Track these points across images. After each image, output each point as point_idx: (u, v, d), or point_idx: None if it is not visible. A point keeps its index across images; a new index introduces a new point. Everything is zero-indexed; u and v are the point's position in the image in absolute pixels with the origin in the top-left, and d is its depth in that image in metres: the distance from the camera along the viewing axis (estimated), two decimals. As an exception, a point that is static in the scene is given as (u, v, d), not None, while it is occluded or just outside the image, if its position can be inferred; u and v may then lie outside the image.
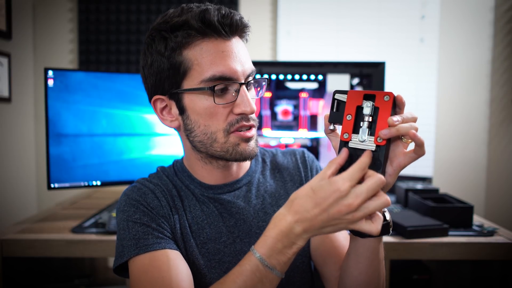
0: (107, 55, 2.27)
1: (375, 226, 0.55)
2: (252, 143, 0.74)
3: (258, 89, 0.79)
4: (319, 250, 0.80)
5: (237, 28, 0.72)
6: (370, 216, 0.55)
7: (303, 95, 1.55)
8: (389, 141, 0.59)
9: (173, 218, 0.76)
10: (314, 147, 1.58)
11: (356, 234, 0.65)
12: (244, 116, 0.72)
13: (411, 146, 0.59)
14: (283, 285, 0.74)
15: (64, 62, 2.30)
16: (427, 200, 1.35)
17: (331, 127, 0.64)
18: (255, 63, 0.77)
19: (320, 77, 1.50)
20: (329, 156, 1.56)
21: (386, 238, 1.13)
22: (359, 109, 0.60)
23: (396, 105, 0.59)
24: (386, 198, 0.54)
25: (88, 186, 1.33)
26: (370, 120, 0.59)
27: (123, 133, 1.37)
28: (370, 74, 1.46)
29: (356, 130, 0.60)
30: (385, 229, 0.64)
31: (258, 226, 0.79)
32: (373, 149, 0.58)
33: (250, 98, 0.72)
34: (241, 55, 0.72)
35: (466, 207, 1.27)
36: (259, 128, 1.56)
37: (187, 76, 0.71)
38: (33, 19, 2.27)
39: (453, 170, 2.27)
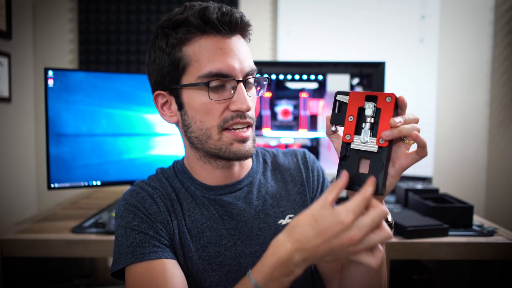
0: (107, 55, 2.27)
1: (374, 260, 0.54)
2: (248, 144, 0.74)
3: (259, 88, 0.78)
4: None
5: (237, 26, 0.72)
6: (370, 248, 0.54)
7: (303, 95, 1.55)
8: (391, 142, 0.59)
9: (171, 223, 0.75)
10: (314, 147, 1.58)
11: None
12: (240, 113, 0.71)
13: (413, 147, 0.58)
14: None
15: (64, 62, 2.30)
16: (427, 200, 1.35)
17: (333, 128, 0.64)
18: (255, 63, 0.77)
19: (320, 77, 1.50)
20: (329, 156, 1.56)
21: (386, 238, 1.13)
22: (361, 110, 0.60)
23: (398, 106, 0.59)
24: (388, 232, 0.53)
25: (88, 186, 1.33)
26: (372, 121, 0.59)
27: (123, 133, 1.37)
28: (370, 74, 1.46)
29: (358, 131, 0.60)
30: None
31: (259, 227, 0.78)
32: (375, 151, 0.58)
33: (247, 96, 0.72)
34: (241, 53, 0.72)
35: (466, 207, 1.27)
36: (259, 128, 1.56)
37: (186, 72, 0.72)
38: (33, 19, 2.27)
39: (453, 170, 2.27)
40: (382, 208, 0.53)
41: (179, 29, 0.71)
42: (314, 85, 1.56)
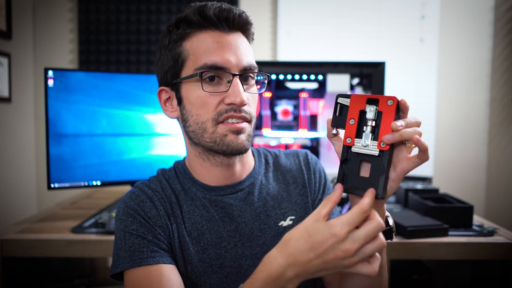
0: (107, 55, 2.27)
1: (372, 268, 0.53)
2: (242, 136, 0.73)
3: (259, 87, 0.79)
4: None
5: (236, 23, 0.73)
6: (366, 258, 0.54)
7: (303, 95, 1.55)
8: (393, 146, 0.58)
9: (171, 227, 0.75)
10: (314, 147, 1.58)
11: None
12: (234, 106, 0.71)
13: (415, 151, 0.58)
14: None
15: (64, 62, 2.30)
16: (427, 200, 1.35)
17: (334, 131, 0.64)
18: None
19: (320, 77, 1.50)
20: (329, 156, 1.56)
21: (386, 238, 1.13)
22: (362, 113, 0.60)
23: (400, 109, 0.59)
24: (383, 241, 0.53)
25: (88, 186, 1.33)
26: (373, 124, 0.59)
27: (123, 133, 1.37)
28: (370, 74, 1.46)
29: (359, 134, 0.60)
30: (388, 235, 0.64)
31: (260, 229, 0.78)
32: (376, 154, 0.58)
33: (243, 90, 0.71)
34: (239, 49, 0.72)
35: (466, 207, 1.27)
36: (259, 128, 1.56)
37: (184, 66, 0.73)
38: (33, 19, 2.27)
39: (453, 170, 2.27)
40: (378, 221, 0.52)
41: (180, 26, 0.73)
42: (314, 85, 1.56)
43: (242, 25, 0.74)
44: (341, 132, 0.63)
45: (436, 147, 2.26)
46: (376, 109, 0.59)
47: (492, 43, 2.21)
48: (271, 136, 1.56)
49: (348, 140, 0.60)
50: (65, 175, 1.29)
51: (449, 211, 1.25)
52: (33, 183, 2.27)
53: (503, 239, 1.16)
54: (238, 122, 0.72)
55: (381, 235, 0.53)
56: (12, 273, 1.19)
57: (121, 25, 2.26)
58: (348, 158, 0.61)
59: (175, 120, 0.81)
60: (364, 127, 0.59)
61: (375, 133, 0.59)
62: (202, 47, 0.71)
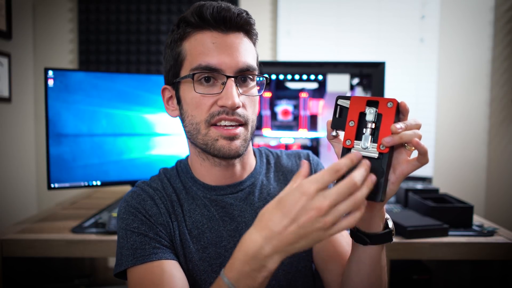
0: (107, 55, 2.27)
1: (352, 218, 0.51)
2: (236, 142, 0.71)
3: (259, 88, 0.78)
4: (321, 255, 0.79)
5: (233, 23, 0.71)
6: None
7: (303, 95, 1.55)
8: (392, 148, 0.58)
9: (172, 225, 0.75)
10: (314, 147, 1.58)
11: (357, 241, 0.64)
12: (226, 109, 0.70)
13: (415, 153, 0.58)
14: None
15: (64, 62, 2.30)
16: (427, 200, 1.35)
17: (334, 133, 0.63)
18: (255, 63, 0.77)
19: (320, 77, 1.50)
20: (329, 156, 1.56)
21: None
22: (362, 115, 0.60)
23: (400, 111, 0.58)
24: (358, 196, 0.51)
25: (88, 186, 1.33)
26: (373, 126, 0.58)
27: (123, 133, 1.37)
28: (370, 74, 1.46)
29: (359, 136, 0.60)
30: (387, 237, 0.64)
31: None
32: (376, 157, 0.58)
33: (236, 92, 0.70)
34: (236, 49, 0.71)
35: (466, 207, 1.27)
36: (259, 128, 1.56)
37: (182, 66, 0.74)
38: (33, 19, 2.27)
39: (453, 170, 2.27)
40: (351, 177, 0.51)
41: (180, 26, 0.74)
42: (314, 85, 1.56)
43: (242, 25, 0.72)
44: (341, 134, 0.63)
45: (436, 147, 2.26)
46: (376, 111, 0.58)
47: (492, 43, 2.21)
48: (271, 136, 1.56)
49: (348, 142, 0.60)
50: (65, 175, 1.29)
51: (449, 211, 1.25)
52: (33, 183, 2.27)
53: (503, 239, 1.16)
54: (232, 127, 0.71)
55: (358, 193, 0.51)
56: (12, 273, 1.19)
57: (121, 25, 2.26)
58: None
59: (175, 120, 0.81)
60: (364, 129, 0.59)
61: (375, 135, 0.58)
62: (198, 48, 0.71)
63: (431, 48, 2.22)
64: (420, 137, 0.56)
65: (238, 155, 0.72)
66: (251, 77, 0.74)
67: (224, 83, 0.70)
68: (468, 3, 2.21)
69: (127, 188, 1.71)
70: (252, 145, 0.87)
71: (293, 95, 1.57)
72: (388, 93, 1.63)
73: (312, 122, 1.58)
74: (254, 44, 0.77)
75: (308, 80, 1.51)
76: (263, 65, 1.49)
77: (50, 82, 1.27)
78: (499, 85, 2.22)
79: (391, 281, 1.28)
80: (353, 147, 0.60)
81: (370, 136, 0.59)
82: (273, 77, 1.51)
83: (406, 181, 1.65)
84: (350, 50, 2.25)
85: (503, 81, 2.21)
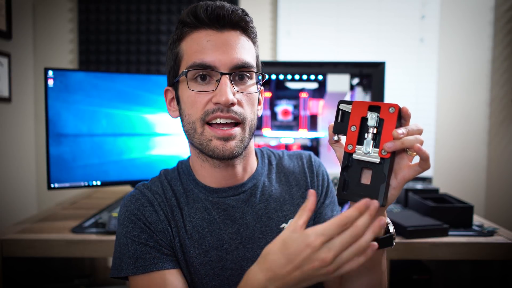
0: (107, 55, 2.27)
1: (355, 262, 0.52)
2: (232, 143, 0.71)
3: (258, 86, 0.77)
4: None
5: (227, 20, 0.71)
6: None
7: (303, 95, 1.55)
8: (394, 153, 0.58)
9: (171, 231, 0.75)
10: (314, 147, 1.58)
11: None
12: (221, 106, 0.69)
13: (416, 158, 0.58)
14: None
15: (64, 62, 2.30)
16: (427, 200, 1.35)
17: (335, 137, 0.63)
18: (255, 63, 0.76)
19: (320, 77, 1.50)
20: (329, 156, 1.56)
21: (386, 238, 1.13)
22: (364, 120, 0.60)
23: (402, 116, 0.58)
24: (362, 242, 0.51)
25: (88, 186, 1.33)
26: (375, 131, 0.58)
27: (123, 133, 1.37)
28: (370, 74, 1.46)
29: (360, 141, 0.60)
30: (388, 242, 0.64)
31: (261, 231, 0.77)
32: (377, 162, 0.58)
33: (230, 89, 0.69)
34: (232, 47, 0.70)
35: (466, 207, 1.27)
36: (259, 128, 1.56)
37: (180, 66, 0.74)
38: (33, 19, 2.27)
39: (453, 170, 2.27)
40: (354, 227, 0.51)
41: (178, 27, 0.75)
42: (314, 85, 1.56)
43: (237, 22, 0.72)
44: (343, 139, 0.63)
45: (436, 147, 2.26)
46: (377, 116, 0.58)
47: (492, 43, 2.21)
48: (271, 136, 1.56)
49: (350, 147, 0.60)
50: (65, 175, 1.29)
51: (449, 211, 1.25)
52: (33, 183, 2.27)
53: (503, 239, 1.16)
54: (227, 127, 0.71)
55: (362, 240, 0.51)
56: (12, 273, 1.19)
57: (121, 25, 2.26)
58: (349, 165, 0.61)
59: (175, 120, 0.81)
60: (366, 134, 0.59)
61: (377, 140, 0.58)
62: (194, 47, 0.71)
63: (431, 48, 2.22)
64: (421, 143, 0.56)
65: (233, 156, 0.71)
66: (248, 74, 0.73)
67: (218, 80, 0.70)
68: (468, 3, 2.21)
69: (127, 188, 1.71)
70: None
71: (293, 95, 1.57)
72: (388, 93, 1.63)
73: (312, 122, 1.58)
74: (254, 43, 0.76)
75: (308, 80, 1.51)
76: (263, 65, 1.49)
77: (50, 82, 1.27)
78: (499, 85, 2.22)
79: (391, 281, 1.28)
80: (354, 152, 0.60)
81: (371, 141, 0.59)
82: (273, 77, 1.51)
83: (406, 181, 1.64)
84: (350, 50, 2.25)
85: (503, 81, 2.21)
